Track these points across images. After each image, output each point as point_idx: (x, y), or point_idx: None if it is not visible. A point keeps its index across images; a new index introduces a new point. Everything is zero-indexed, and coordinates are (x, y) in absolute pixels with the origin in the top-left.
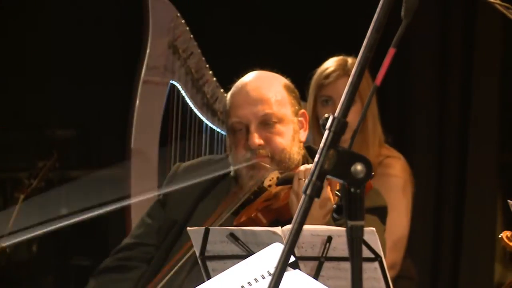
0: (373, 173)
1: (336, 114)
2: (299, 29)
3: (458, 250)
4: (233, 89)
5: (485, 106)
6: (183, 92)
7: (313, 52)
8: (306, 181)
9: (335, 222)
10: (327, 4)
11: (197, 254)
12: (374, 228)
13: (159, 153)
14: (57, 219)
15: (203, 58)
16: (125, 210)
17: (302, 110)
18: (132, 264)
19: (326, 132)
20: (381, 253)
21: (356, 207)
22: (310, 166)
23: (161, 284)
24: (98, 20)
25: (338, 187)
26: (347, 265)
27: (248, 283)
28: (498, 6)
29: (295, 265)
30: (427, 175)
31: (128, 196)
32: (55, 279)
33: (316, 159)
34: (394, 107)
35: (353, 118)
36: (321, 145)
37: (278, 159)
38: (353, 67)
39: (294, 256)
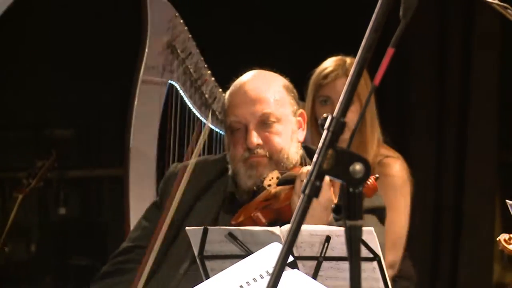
0: (377, 175)
1: (334, 114)
2: (298, 28)
3: (457, 250)
4: (231, 88)
5: (484, 106)
6: (181, 92)
7: (312, 52)
8: (305, 180)
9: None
10: (326, 3)
11: (196, 253)
12: (372, 228)
13: (158, 152)
14: None
15: (202, 58)
16: (124, 210)
17: (301, 110)
18: (129, 267)
19: (325, 132)
20: (380, 253)
21: (354, 207)
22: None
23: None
24: (97, 19)
25: None
26: (345, 265)
27: (247, 282)
28: (496, 6)
29: (293, 265)
30: (426, 174)
31: (126, 195)
32: (54, 279)
33: (314, 159)
34: (393, 107)
35: (351, 118)
36: (320, 145)
37: (276, 159)
38: (351, 67)
39: (293, 255)
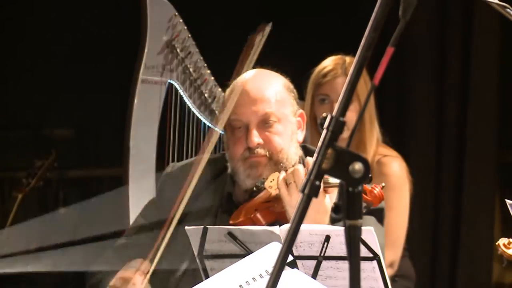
0: (383, 184)
1: (334, 113)
2: (298, 28)
3: (457, 250)
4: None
5: (484, 106)
6: (181, 92)
7: (311, 51)
8: (304, 180)
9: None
10: (325, 3)
11: (195, 253)
12: (372, 227)
13: (157, 152)
14: None
15: (201, 58)
16: (124, 209)
17: (300, 111)
18: (124, 262)
19: (324, 131)
20: (379, 252)
21: (354, 207)
22: (299, 167)
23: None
24: (96, 19)
25: None
26: (345, 265)
27: (246, 282)
28: (495, 6)
29: (293, 264)
30: (426, 174)
31: (126, 195)
32: (54, 279)
33: (314, 158)
34: (392, 107)
35: (350, 117)
36: (319, 144)
37: (276, 159)
38: (350, 66)
39: (292, 255)
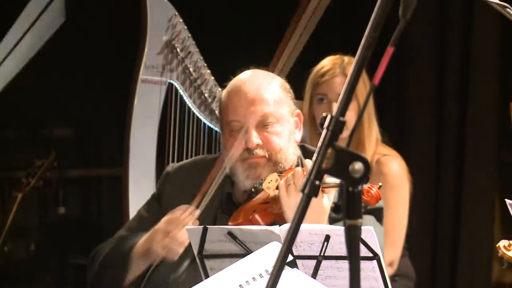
0: (381, 184)
1: (334, 113)
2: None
3: (456, 249)
4: (229, 87)
5: (483, 105)
6: (181, 91)
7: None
8: (304, 180)
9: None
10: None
11: (195, 253)
12: (372, 227)
13: (157, 152)
14: None
15: (201, 57)
16: (123, 209)
17: (297, 110)
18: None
19: (324, 131)
20: (379, 252)
21: (354, 206)
22: (298, 169)
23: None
24: (96, 18)
25: None
26: (345, 264)
27: (246, 282)
28: (495, 5)
29: (293, 264)
30: (426, 174)
31: (126, 195)
32: (54, 279)
33: (314, 158)
34: (392, 106)
35: (348, 116)
36: (319, 144)
37: (275, 160)
38: (349, 66)
39: (292, 255)
